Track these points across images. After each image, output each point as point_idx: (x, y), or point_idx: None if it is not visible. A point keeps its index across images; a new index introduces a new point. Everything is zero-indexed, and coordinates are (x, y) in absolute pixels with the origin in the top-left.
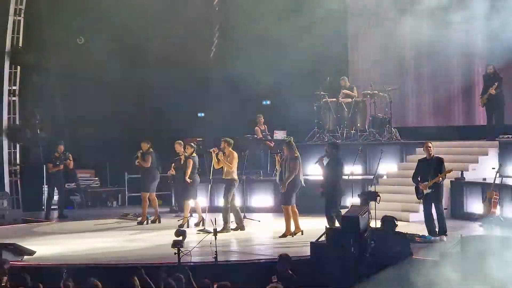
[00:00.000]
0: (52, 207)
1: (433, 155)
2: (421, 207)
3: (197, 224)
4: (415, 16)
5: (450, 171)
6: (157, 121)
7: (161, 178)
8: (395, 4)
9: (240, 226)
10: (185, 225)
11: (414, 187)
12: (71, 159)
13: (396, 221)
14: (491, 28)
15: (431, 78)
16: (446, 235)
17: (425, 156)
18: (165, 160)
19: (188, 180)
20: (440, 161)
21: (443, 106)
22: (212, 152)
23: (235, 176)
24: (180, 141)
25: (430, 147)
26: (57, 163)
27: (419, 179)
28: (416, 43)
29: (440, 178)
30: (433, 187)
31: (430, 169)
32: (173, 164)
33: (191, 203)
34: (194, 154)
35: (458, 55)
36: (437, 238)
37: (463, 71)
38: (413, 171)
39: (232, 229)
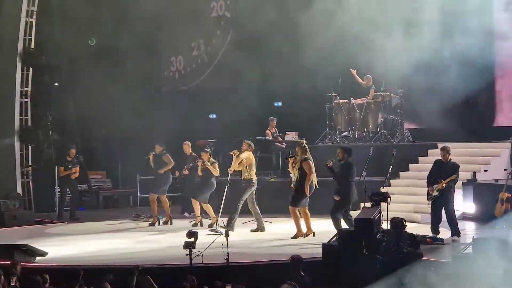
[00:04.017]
0: (64, 208)
1: (450, 159)
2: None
3: (210, 225)
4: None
5: (452, 178)
6: (168, 121)
7: (173, 179)
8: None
9: (260, 227)
10: (199, 224)
11: (425, 188)
12: (81, 165)
13: (405, 222)
14: None
15: (444, 79)
16: (459, 236)
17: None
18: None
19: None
20: (454, 167)
21: (456, 107)
22: (233, 155)
23: (253, 178)
24: (188, 142)
25: (446, 154)
26: (69, 166)
27: (432, 180)
28: (429, 43)
29: (444, 185)
30: (441, 190)
31: (443, 172)
32: (186, 166)
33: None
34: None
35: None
36: (449, 238)
37: (477, 72)
38: (425, 172)
39: (252, 230)
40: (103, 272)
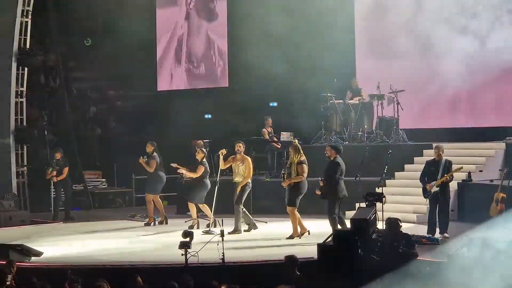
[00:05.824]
0: (59, 208)
1: (442, 158)
2: (428, 208)
3: (209, 225)
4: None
5: (460, 168)
6: (164, 122)
7: (168, 178)
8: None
9: (251, 226)
10: (195, 227)
11: (421, 188)
12: (60, 168)
13: (400, 222)
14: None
15: (439, 79)
16: (447, 232)
17: (433, 157)
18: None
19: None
20: (449, 164)
21: (450, 107)
22: (221, 154)
23: (249, 180)
24: (199, 141)
25: (441, 153)
26: (50, 170)
27: (426, 179)
28: (423, 43)
29: (447, 177)
30: (440, 186)
31: (438, 170)
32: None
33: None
34: (205, 160)
35: (466, 55)
36: (440, 237)
37: (470, 72)
38: (420, 172)
39: (245, 230)
40: (99, 272)
